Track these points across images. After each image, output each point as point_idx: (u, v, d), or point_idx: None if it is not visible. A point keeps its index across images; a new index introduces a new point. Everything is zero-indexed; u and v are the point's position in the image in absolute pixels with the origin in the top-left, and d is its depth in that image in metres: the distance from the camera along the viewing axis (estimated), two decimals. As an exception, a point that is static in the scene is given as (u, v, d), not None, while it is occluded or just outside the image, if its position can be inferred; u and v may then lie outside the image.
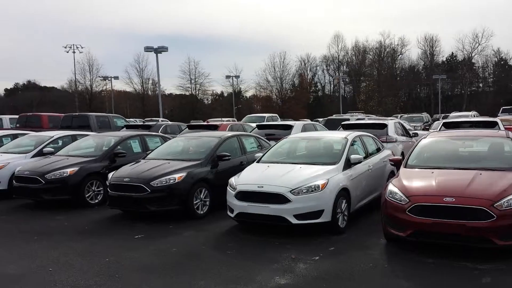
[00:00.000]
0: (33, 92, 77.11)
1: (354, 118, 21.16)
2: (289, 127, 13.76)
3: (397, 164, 7.37)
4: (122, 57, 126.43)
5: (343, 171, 7.34)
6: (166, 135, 12.78)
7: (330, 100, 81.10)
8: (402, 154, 12.00)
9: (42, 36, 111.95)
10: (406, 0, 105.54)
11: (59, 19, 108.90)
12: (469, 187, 5.77)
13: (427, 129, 22.52)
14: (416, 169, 6.71)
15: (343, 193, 7.08)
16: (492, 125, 12.73)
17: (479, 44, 75.93)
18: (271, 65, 75.39)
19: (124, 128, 17.50)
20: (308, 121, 21.25)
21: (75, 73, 66.61)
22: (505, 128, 11.68)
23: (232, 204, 7.22)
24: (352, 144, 8.11)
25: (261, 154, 8.50)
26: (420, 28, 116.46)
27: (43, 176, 9.41)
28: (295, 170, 7.27)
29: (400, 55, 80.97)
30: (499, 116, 25.18)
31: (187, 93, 75.82)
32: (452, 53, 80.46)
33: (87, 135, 12.41)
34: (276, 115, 32.25)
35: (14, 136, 13.55)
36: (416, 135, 14.17)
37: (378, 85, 73.81)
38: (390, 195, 6.05)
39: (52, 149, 11.35)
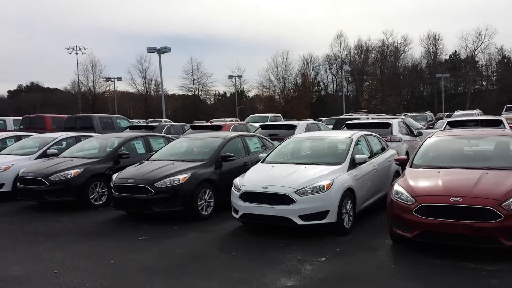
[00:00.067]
0: (36, 94, 77.31)
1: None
2: (293, 127, 13.73)
3: (402, 163, 7.33)
4: (124, 58, 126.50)
5: (348, 171, 7.30)
6: (169, 136, 12.77)
7: (333, 99, 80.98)
8: (407, 153, 11.96)
9: (45, 38, 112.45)
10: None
11: (61, 20, 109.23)
12: (476, 186, 5.72)
13: (431, 128, 22.40)
14: (422, 169, 6.66)
15: (348, 193, 7.04)
16: (497, 123, 12.68)
17: (482, 42, 75.72)
18: (274, 64, 75.36)
19: (128, 129, 17.49)
20: (312, 121, 21.22)
21: (78, 74, 66.71)
22: (510, 127, 11.62)
23: (237, 205, 7.19)
24: (356, 144, 8.06)
25: (265, 155, 8.47)
26: (423, 26, 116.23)
27: (47, 177, 9.41)
28: (299, 171, 7.23)
29: (403, 54, 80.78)
30: (503, 114, 25.07)
31: (190, 94, 75.86)
32: (455, 51, 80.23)
33: (91, 136, 12.41)
34: (279, 115, 32.16)
35: (18, 138, 13.58)
36: (420, 134, 14.10)
37: (381, 84, 73.62)
38: (396, 195, 6.01)
39: (56, 151, 11.35)
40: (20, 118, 23.87)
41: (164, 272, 5.68)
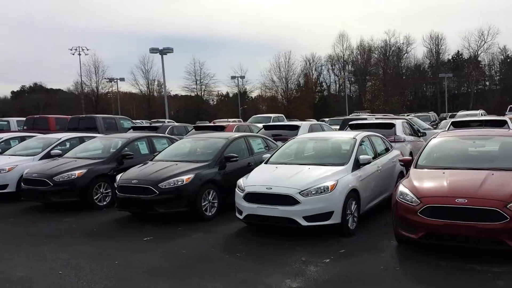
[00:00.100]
0: (40, 95, 77.57)
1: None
2: (296, 128, 13.72)
3: (407, 164, 7.29)
4: (127, 59, 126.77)
5: (352, 172, 7.28)
6: (173, 137, 12.77)
7: (336, 99, 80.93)
8: (411, 154, 11.92)
9: (47, 39, 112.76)
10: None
11: (63, 21, 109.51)
12: (482, 187, 5.69)
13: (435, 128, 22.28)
14: (427, 170, 6.62)
15: (353, 194, 7.02)
16: (501, 124, 12.63)
17: (485, 42, 75.61)
18: (276, 65, 75.47)
19: (131, 130, 17.51)
20: (315, 121, 21.19)
21: (81, 75, 66.90)
22: (515, 127, 11.57)
23: (241, 206, 7.18)
24: (360, 145, 8.04)
25: (269, 155, 8.46)
26: (426, 26, 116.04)
27: (51, 178, 9.42)
28: (303, 171, 7.21)
29: (406, 54, 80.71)
30: (506, 114, 24.98)
31: (193, 94, 76.00)
32: (458, 51, 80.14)
33: (95, 137, 12.42)
34: (282, 115, 32.13)
35: (22, 139, 13.62)
36: (424, 134, 14.06)
37: (384, 84, 73.55)
38: (401, 196, 5.98)
39: (60, 151, 11.38)
40: (24, 119, 23.93)
41: (169, 273, 5.67)
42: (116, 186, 8.58)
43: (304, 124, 14.54)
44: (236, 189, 7.42)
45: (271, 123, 19.10)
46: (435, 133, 8.71)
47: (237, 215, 7.35)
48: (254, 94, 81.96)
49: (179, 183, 8.03)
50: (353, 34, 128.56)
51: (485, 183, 5.78)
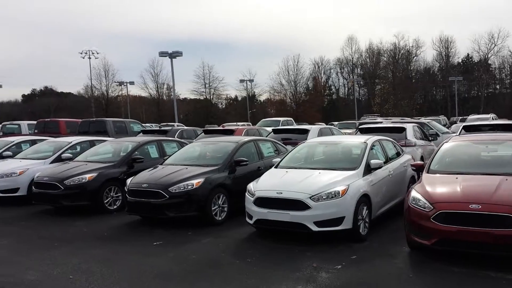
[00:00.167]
0: (50, 98, 78.24)
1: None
2: (306, 131, 13.67)
3: (419, 169, 7.21)
4: (136, 63, 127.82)
5: (363, 176, 7.21)
6: (182, 140, 12.79)
7: (345, 103, 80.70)
8: (422, 158, 11.82)
9: (58, 42, 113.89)
10: (421, 0, 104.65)
11: (74, 25, 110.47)
12: (496, 193, 5.60)
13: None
14: (439, 175, 6.54)
15: (364, 199, 6.95)
16: (513, 128, 12.45)
17: (495, 45, 74.95)
18: (285, 68, 75.25)
19: (141, 133, 17.57)
20: (324, 125, 21.11)
21: (91, 79, 67.33)
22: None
23: (251, 211, 7.15)
24: (371, 149, 7.97)
25: (279, 159, 8.42)
26: (435, 29, 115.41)
27: (62, 182, 9.47)
28: (314, 176, 7.17)
29: (415, 57, 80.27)
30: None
31: (202, 98, 76.15)
32: (468, 55, 79.52)
33: (105, 140, 12.47)
34: (291, 119, 32.04)
35: (33, 142, 13.69)
36: (435, 139, 13.93)
37: (393, 87, 73.16)
38: (414, 202, 5.91)
39: (71, 155, 11.44)
40: (35, 122, 24.09)
41: (179, 277, 5.66)
42: (126, 190, 8.60)
43: (313, 128, 14.48)
44: (246, 194, 7.39)
45: (280, 127, 19.08)
46: (448, 137, 8.61)
47: (247, 219, 7.32)
48: (262, 98, 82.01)
49: (189, 187, 8.02)
50: (362, 37, 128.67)
51: (500, 188, 5.70)
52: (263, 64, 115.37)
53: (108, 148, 11.44)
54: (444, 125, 32.47)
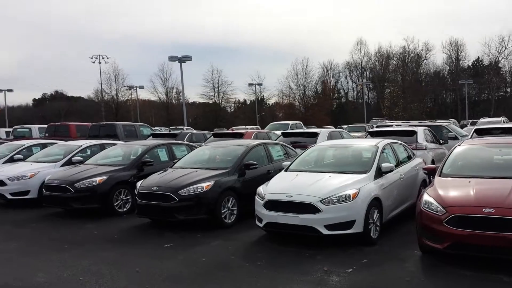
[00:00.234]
0: (61, 102, 78.93)
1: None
2: (315, 135, 13.61)
3: (431, 172, 7.13)
4: (146, 67, 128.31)
5: (374, 180, 7.15)
6: (192, 144, 12.81)
7: (354, 106, 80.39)
8: (433, 162, 11.70)
9: (68, 47, 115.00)
10: (430, 4, 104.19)
11: (83, 30, 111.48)
12: (509, 197, 5.52)
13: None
14: (452, 178, 6.47)
15: (375, 202, 6.89)
16: (525, 131, 12.29)
17: (505, 48, 74.25)
18: (294, 72, 75.22)
19: (151, 137, 17.64)
20: (334, 129, 21.02)
21: (101, 83, 67.85)
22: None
23: (261, 214, 7.12)
24: (382, 152, 7.90)
25: (288, 163, 8.39)
26: (445, 33, 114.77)
27: (73, 185, 9.52)
28: (324, 179, 7.12)
29: (425, 60, 79.79)
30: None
31: (210, 101, 76.35)
32: (478, 58, 78.84)
33: (115, 144, 12.52)
34: (300, 122, 31.99)
35: (44, 146, 13.81)
36: (446, 142, 13.80)
37: (403, 91, 72.78)
38: (426, 206, 5.85)
39: (81, 158, 11.50)
40: (45, 126, 24.33)
41: (188, 280, 5.65)
42: (136, 193, 8.62)
43: (323, 131, 14.42)
44: (256, 197, 7.36)
45: (290, 130, 19.03)
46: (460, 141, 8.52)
47: (257, 222, 7.30)
48: (271, 101, 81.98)
49: (199, 190, 8.02)
50: (371, 41, 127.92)
51: (513, 192, 5.61)
52: (272, 68, 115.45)
53: (118, 151, 11.50)
54: (455, 129, 32.15)
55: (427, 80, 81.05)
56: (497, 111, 63.53)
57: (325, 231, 6.50)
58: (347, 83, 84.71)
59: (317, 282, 5.37)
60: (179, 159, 10.10)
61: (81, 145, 12.43)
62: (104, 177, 9.64)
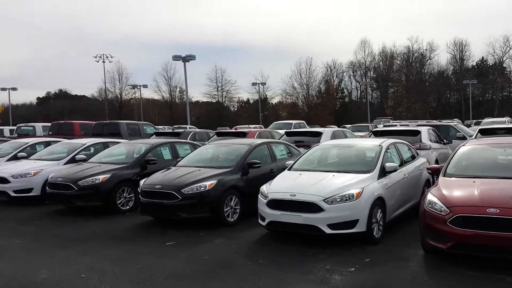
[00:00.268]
0: (65, 101, 79.24)
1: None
2: (318, 134, 13.59)
3: (435, 172, 7.10)
4: (150, 66, 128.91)
5: (378, 179, 7.12)
6: (195, 142, 12.81)
7: (357, 106, 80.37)
8: (436, 161, 11.66)
9: (72, 46, 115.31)
10: (434, 4, 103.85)
11: (87, 29, 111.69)
12: (514, 197, 5.49)
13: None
14: (456, 178, 6.44)
15: (378, 202, 6.87)
16: (530, 131, 12.23)
17: (510, 48, 74.08)
18: (298, 71, 75.27)
19: (154, 136, 17.64)
20: (337, 128, 20.97)
21: (105, 82, 68.00)
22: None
23: (264, 212, 7.11)
24: (386, 152, 7.88)
25: (292, 162, 8.37)
26: (449, 32, 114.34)
27: (76, 182, 9.53)
28: (328, 178, 7.10)
29: (429, 60, 79.63)
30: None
31: (214, 101, 76.47)
32: (483, 58, 78.70)
33: (119, 142, 12.53)
34: (304, 121, 31.94)
35: (47, 144, 13.82)
36: (450, 142, 13.75)
37: (407, 90, 72.63)
38: (430, 205, 5.82)
39: (85, 156, 11.51)
40: (49, 124, 24.38)
41: (191, 278, 5.64)
42: (139, 191, 8.62)
43: (326, 131, 14.38)
44: (259, 196, 7.35)
45: (293, 130, 19.00)
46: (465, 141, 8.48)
47: (260, 221, 7.29)
48: (274, 101, 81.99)
49: (202, 188, 8.01)
50: (375, 41, 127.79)
51: (518, 192, 5.58)
52: (275, 67, 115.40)
53: (122, 149, 11.50)
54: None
55: (431, 80, 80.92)
56: (501, 111, 63.34)
57: (328, 230, 6.48)
58: (351, 82, 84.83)
59: (320, 281, 5.36)
60: (182, 157, 10.10)
61: (85, 143, 12.45)
62: (107, 175, 9.65)
